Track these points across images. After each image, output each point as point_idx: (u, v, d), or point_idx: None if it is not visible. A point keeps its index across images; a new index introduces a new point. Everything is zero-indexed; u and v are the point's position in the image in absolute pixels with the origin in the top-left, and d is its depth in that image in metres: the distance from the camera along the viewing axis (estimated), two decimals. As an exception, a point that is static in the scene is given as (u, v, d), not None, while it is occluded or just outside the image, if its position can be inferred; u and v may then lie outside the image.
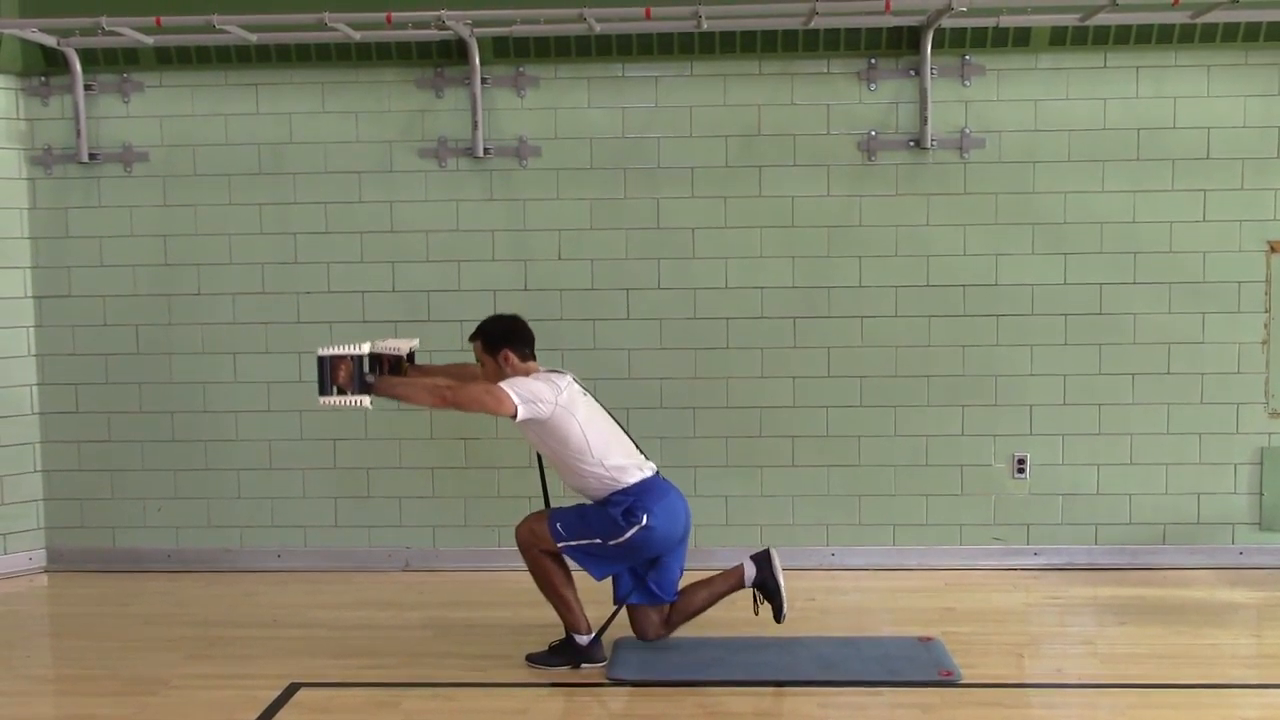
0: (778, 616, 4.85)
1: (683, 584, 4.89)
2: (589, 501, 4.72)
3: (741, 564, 4.91)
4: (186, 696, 4.50)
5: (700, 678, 4.58)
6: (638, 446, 4.80)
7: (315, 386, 4.52)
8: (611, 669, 4.66)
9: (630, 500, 4.60)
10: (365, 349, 4.53)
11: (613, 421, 4.77)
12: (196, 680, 4.66)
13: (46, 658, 5.18)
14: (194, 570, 6.17)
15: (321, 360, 4.49)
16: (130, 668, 4.82)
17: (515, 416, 4.47)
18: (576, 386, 4.70)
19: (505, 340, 4.71)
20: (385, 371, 4.68)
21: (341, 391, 4.48)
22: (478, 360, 4.77)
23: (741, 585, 4.88)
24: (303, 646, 5.01)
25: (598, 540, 4.59)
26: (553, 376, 4.66)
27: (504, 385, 4.51)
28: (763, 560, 4.87)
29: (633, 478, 4.65)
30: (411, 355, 4.92)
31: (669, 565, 4.78)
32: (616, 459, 4.65)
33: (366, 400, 4.48)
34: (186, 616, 5.48)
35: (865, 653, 4.80)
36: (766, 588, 4.85)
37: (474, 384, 4.62)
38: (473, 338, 4.77)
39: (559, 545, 4.63)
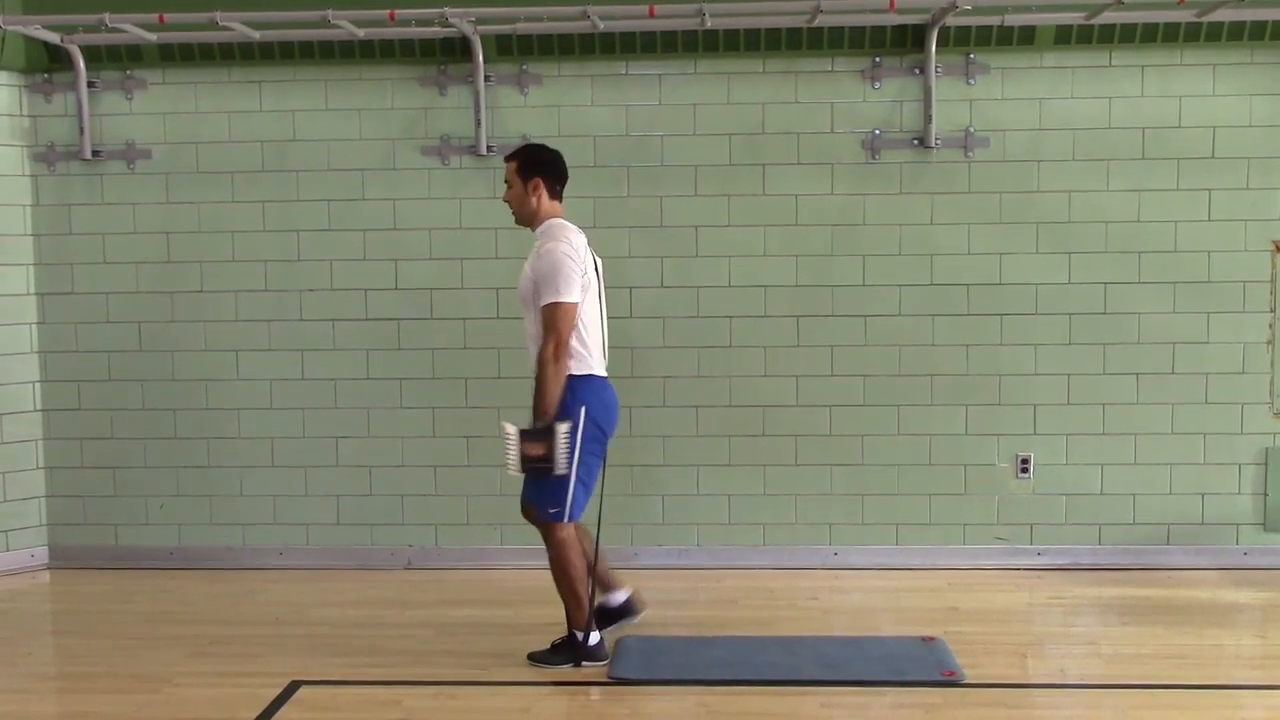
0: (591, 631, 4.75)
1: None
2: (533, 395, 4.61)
3: (621, 590, 4.84)
4: (188, 694, 4.50)
5: (703, 677, 4.56)
6: (604, 348, 4.71)
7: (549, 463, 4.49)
8: (614, 668, 4.64)
9: (568, 396, 4.53)
10: (512, 430, 4.48)
11: (599, 312, 4.69)
12: (198, 678, 4.66)
13: (48, 655, 5.17)
14: (196, 568, 6.17)
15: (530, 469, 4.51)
16: (132, 665, 4.82)
17: None
18: (591, 264, 4.62)
19: (541, 169, 4.64)
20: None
21: (543, 456, 4.46)
22: (506, 181, 4.68)
23: (605, 589, 4.81)
24: (304, 644, 5.01)
25: (565, 474, 4.49)
26: (575, 243, 4.55)
27: (557, 289, 4.41)
28: (630, 607, 4.85)
29: (581, 369, 4.57)
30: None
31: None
32: (579, 345, 4.56)
33: (562, 428, 4.46)
34: (188, 614, 5.48)
35: (868, 652, 4.79)
36: (607, 615, 4.80)
37: (548, 334, 4.46)
38: (509, 158, 4.70)
39: (566, 521, 4.57)
